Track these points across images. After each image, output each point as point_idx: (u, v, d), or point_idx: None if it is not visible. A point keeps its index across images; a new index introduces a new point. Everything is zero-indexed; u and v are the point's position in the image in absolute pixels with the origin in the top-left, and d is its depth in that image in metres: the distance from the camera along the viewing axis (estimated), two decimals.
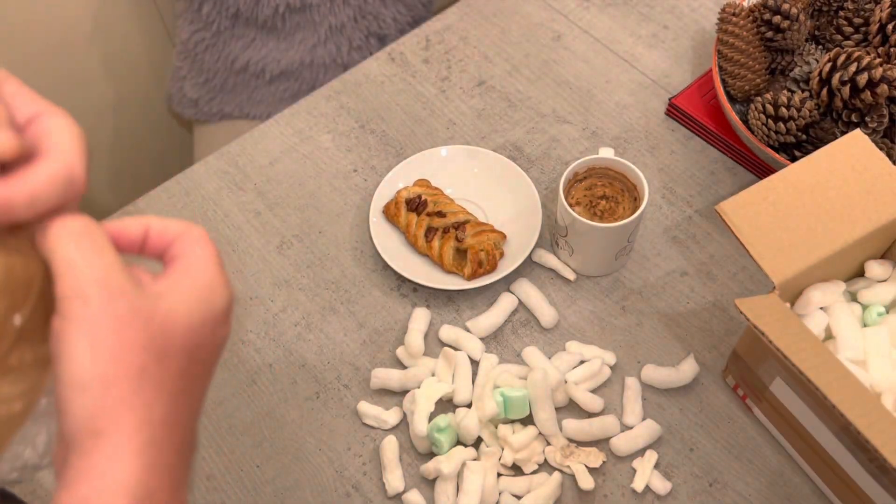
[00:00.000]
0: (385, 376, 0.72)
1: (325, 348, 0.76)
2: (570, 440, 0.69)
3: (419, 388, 0.70)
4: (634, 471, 0.68)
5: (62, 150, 0.33)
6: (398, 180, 0.83)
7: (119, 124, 1.33)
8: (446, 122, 0.90)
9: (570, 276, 0.78)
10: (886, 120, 0.73)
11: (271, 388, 0.74)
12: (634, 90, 0.91)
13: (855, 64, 0.72)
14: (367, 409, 0.72)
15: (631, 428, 0.70)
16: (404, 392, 0.73)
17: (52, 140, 0.33)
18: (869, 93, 0.71)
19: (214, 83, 1.18)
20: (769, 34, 0.80)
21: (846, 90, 0.72)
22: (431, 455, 0.70)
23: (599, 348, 0.74)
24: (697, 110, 0.86)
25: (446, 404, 0.72)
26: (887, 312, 0.63)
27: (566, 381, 0.71)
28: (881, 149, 0.71)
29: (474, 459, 0.68)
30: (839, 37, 0.80)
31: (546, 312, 0.75)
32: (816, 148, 0.73)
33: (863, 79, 0.71)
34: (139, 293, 0.33)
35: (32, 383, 0.33)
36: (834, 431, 0.59)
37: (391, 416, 0.71)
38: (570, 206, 0.74)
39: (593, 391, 0.72)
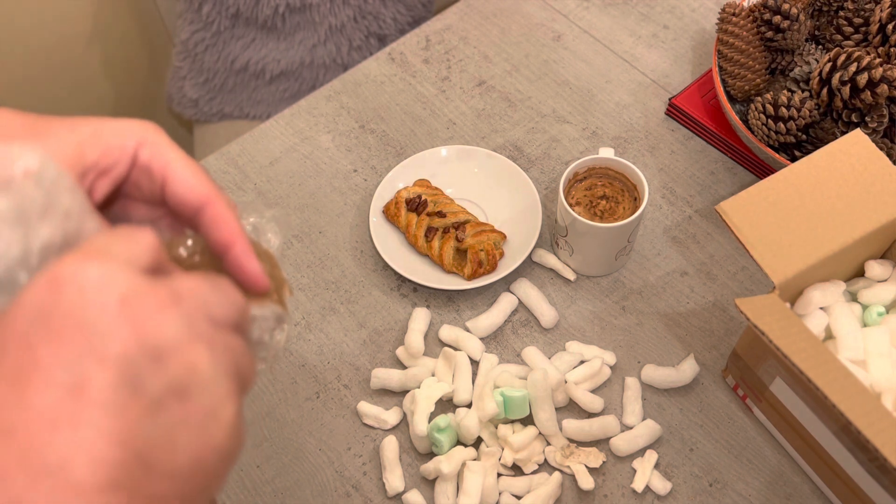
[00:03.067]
0: (385, 376, 0.72)
1: (325, 348, 0.76)
2: (570, 440, 0.69)
3: (419, 388, 0.70)
4: (634, 471, 0.68)
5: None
6: (398, 180, 0.83)
7: None
8: (446, 122, 0.90)
9: (570, 276, 0.78)
10: (886, 120, 0.73)
11: (271, 388, 0.74)
12: (634, 90, 0.91)
13: (855, 64, 0.72)
14: (367, 409, 0.72)
15: (631, 428, 0.70)
16: (404, 392, 0.73)
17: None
18: (869, 93, 0.71)
19: (214, 83, 1.18)
20: (769, 34, 0.80)
21: (846, 90, 0.72)
22: (431, 455, 0.70)
23: (599, 348, 0.74)
24: (697, 110, 0.86)
25: (446, 404, 0.72)
26: (887, 312, 0.63)
27: (566, 381, 0.71)
28: (881, 149, 0.71)
29: (474, 459, 0.68)
30: (839, 37, 0.80)
31: (546, 312, 0.75)
32: (816, 148, 0.74)
33: (863, 79, 0.71)
34: None
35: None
36: (834, 431, 0.59)
37: (391, 416, 0.71)
38: (570, 206, 0.74)
39: (593, 391, 0.72)
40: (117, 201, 0.41)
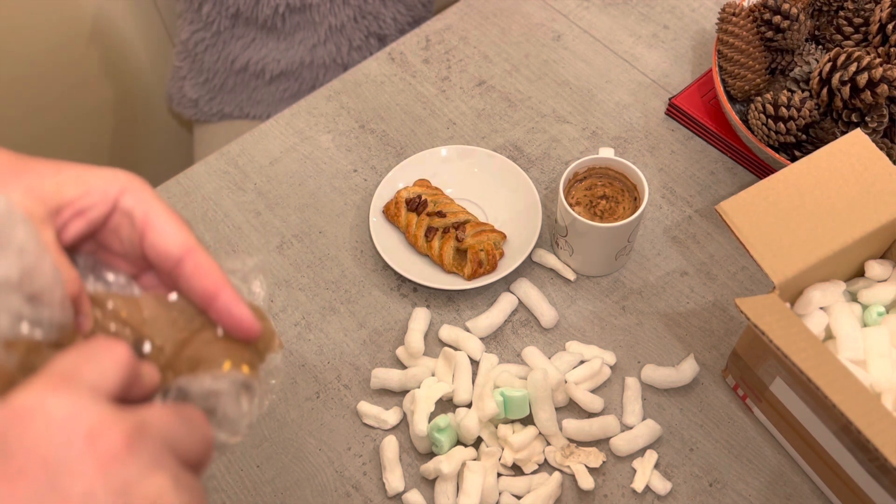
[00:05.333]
0: (385, 376, 0.72)
1: (325, 348, 0.76)
2: (570, 440, 0.69)
3: (419, 388, 0.70)
4: (634, 471, 0.68)
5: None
6: (398, 180, 0.83)
7: (119, 124, 1.33)
8: (446, 122, 0.90)
9: (570, 276, 0.78)
10: (886, 120, 0.73)
11: None
12: (634, 90, 0.91)
13: (855, 64, 0.72)
14: (367, 409, 0.72)
15: (631, 428, 0.70)
16: (404, 392, 0.73)
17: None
18: (869, 93, 0.71)
19: (214, 83, 1.18)
20: (769, 34, 0.80)
21: (846, 90, 0.72)
22: (431, 455, 0.70)
23: (599, 348, 0.74)
24: (697, 110, 0.86)
25: (446, 404, 0.72)
26: (887, 312, 0.63)
27: (566, 381, 0.71)
28: (881, 149, 0.71)
29: (474, 459, 0.68)
30: (839, 37, 0.80)
31: (546, 312, 0.75)
32: (816, 148, 0.74)
33: (863, 79, 0.71)
34: None
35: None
36: (834, 431, 0.59)
37: (391, 416, 0.71)
38: (570, 206, 0.74)
39: (593, 391, 0.72)
40: (97, 253, 0.40)
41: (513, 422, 0.70)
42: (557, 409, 0.71)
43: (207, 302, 0.38)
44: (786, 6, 0.78)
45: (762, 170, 0.83)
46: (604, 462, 0.68)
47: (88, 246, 0.40)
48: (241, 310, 0.38)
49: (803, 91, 0.78)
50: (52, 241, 0.36)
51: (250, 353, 0.39)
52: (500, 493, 0.67)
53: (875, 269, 0.64)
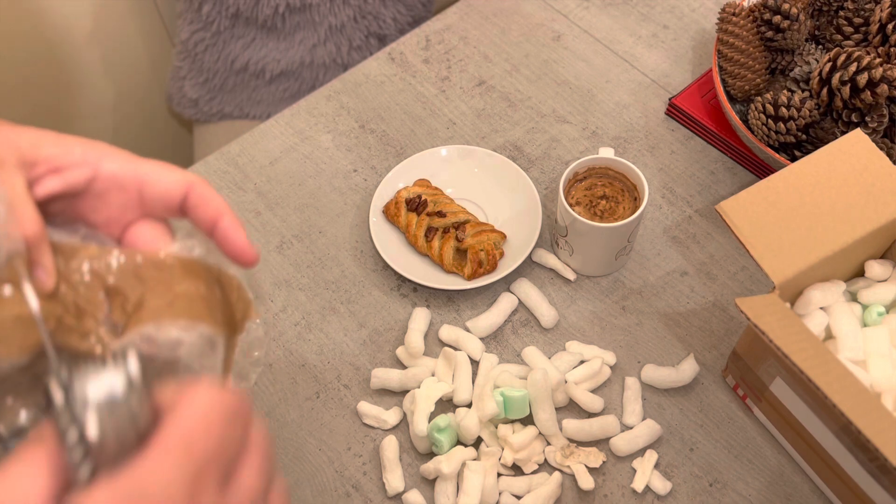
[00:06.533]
0: (385, 376, 0.72)
1: (325, 348, 0.76)
2: (570, 440, 0.69)
3: (419, 388, 0.70)
4: (634, 471, 0.68)
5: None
6: (398, 180, 0.83)
7: (119, 124, 1.33)
8: (446, 122, 0.90)
9: (570, 276, 0.78)
10: (886, 120, 0.73)
11: (271, 388, 0.74)
12: (634, 90, 0.91)
13: (855, 64, 0.72)
14: (367, 409, 0.72)
15: (631, 428, 0.70)
16: (404, 392, 0.73)
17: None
18: (869, 93, 0.71)
19: (214, 83, 1.18)
20: (769, 34, 0.80)
21: (846, 90, 0.72)
22: (431, 455, 0.70)
23: (599, 348, 0.74)
24: (697, 110, 0.86)
25: (446, 404, 0.72)
26: (887, 312, 0.63)
27: (566, 381, 0.71)
28: (881, 149, 0.71)
29: (474, 459, 0.68)
30: (839, 37, 0.80)
31: (546, 312, 0.75)
32: (816, 148, 0.74)
33: (863, 79, 0.71)
34: None
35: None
36: (834, 431, 0.59)
37: (391, 416, 0.71)
38: (570, 205, 0.74)
39: (593, 391, 0.72)
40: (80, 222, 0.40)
41: (513, 422, 0.70)
42: (557, 409, 0.71)
43: (211, 229, 0.39)
44: (786, 6, 0.78)
45: (762, 170, 0.83)
46: (604, 462, 0.68)
47: (70, 212, 0.40)
48: (239, 236, 0.40)
49: (803, 91, 0.78)
50: (21, 187, 0.36)
51: (225, 316, 0.40)
52: (500, 493, 0.67)
53: (875, 269, 0.64)
